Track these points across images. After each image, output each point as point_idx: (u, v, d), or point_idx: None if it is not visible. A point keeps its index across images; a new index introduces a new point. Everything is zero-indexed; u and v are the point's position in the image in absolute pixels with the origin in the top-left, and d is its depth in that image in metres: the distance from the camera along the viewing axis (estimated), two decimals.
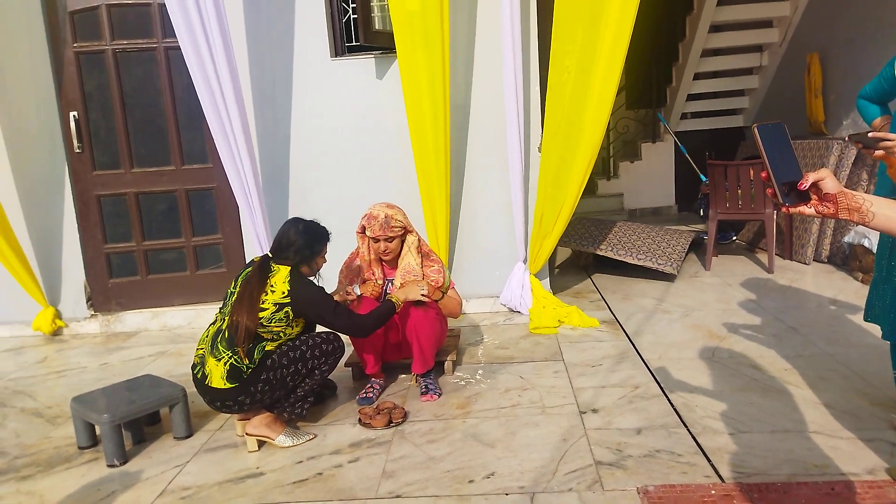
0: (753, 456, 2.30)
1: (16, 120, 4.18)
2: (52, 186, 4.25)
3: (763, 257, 5.15)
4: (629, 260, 4.75)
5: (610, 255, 4.81)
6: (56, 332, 4.35)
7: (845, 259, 4.72)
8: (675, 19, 7.20)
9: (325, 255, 2.77)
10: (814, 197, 1.22)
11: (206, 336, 2.60)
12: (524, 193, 3.97)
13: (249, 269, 2.64)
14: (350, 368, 3.24)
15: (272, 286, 2.54)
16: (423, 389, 2.98)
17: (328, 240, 2.76)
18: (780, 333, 3.51)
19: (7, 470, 2.57)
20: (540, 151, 3.91)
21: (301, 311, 2.56)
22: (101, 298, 4.41)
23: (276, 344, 2.58)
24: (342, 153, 4.19)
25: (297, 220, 2.71)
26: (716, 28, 6.74)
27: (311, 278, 2.70)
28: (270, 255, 2.67)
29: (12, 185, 4.22)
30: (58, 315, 4.36)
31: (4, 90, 4.15)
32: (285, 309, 2.52)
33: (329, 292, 2.71)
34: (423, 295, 2.82)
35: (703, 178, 5.62)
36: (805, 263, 4.95)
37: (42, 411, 3.13)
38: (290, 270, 2.58)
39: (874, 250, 3.51)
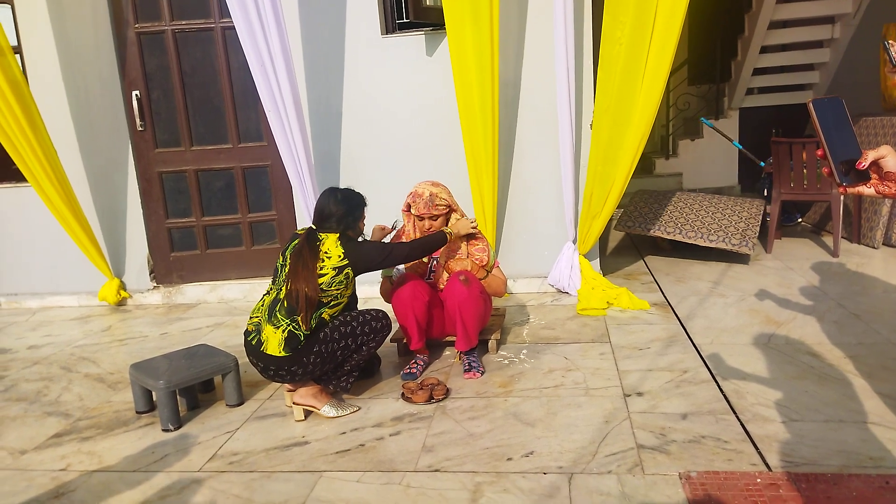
0: (804, 445, 2.22)
1: (82, 100, 4.37)
2: (116, 164, 4.44)
3: (829, 240, 4.93)
4: (700, 242, 4.53)
5: (677, 237, 4.61)
6: (121, 303, 4.57)
7: None
8: None
9: (364, 219, 2.87)
10: (874, 176, 1.15)
11: (262, 305, 2.68)
12: (574, 172, 3.90)
13: (296, 241, 2.71)
14: (395, 344, 3.28)
15: (326, 253, 2.62)
16: (466, 367, 2.99)
17: (366, 204, 2.86)
18: (842, 320, 3.36)
19: (70, 431, 2.72)
20: (591, 128, 3.82)
21: (362, 266, 2.68)
22: (163, 271, 4.60)
23: (333, 311, 2.66)
24: (392, 130, 4.20)
25: (333, 190, 2.79)
26: None
27: (359, 238, 2.80)
28: (314, 227, 2.73)
29: (80, 163, 4.42)
30: (122, 286, 4.57)
31: (71, 71, 4.33)
32: (345, 271, 2.62)
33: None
34: (473, 227, 2.96)
35: (762, 164, 5.38)
36: (874, 247, 4.70)
37: (104, 377, 3.30)
38: (339, 236, 2.66)
39: None
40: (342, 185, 4.21)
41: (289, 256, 2.67)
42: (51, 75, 4.33)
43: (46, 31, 4.28)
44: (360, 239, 2.81)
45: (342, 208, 2.71)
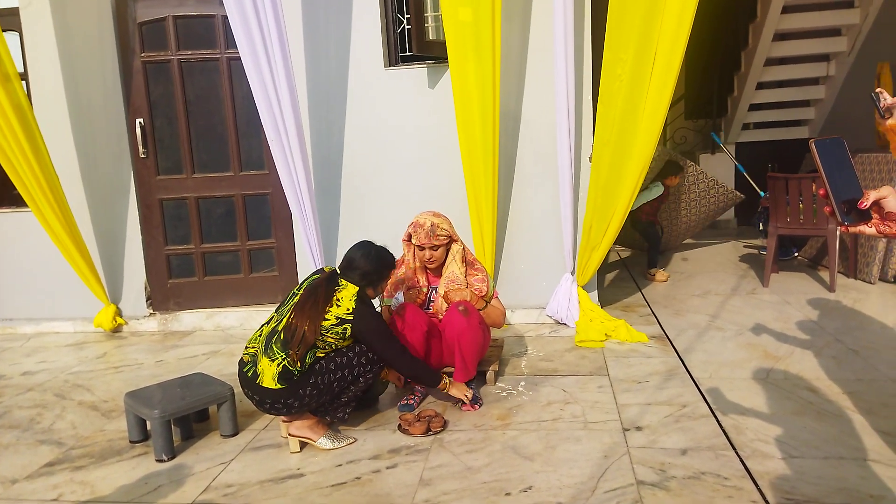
0: (804, 482, 2.20)
1: (86, 126, 4.40)
2: (117, 190, 4.45)
3: (826, 275, 4.94)
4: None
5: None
6: (116, 329, 4.55)
7: None
8: (737, 27, 7.01)
9: (389, 281, 2.87)
10: (875, 216, 1.16)
11: (260, 335, 2.66)
12: (573, 204, 3.93)
13: (317, 275, 2.71)
14: None
15: (338, 300, 2.60)
16: None
17: (394, 267, 2.84)
18: (840, 356, 3.35)
19: (63, 460, 2.69)
20: (591, 161, 3.86)
21: (358, 334, 2.62)
22: (160, 298, 4.58)
23: (325, 352, 2.62)
24: (393, 161, 4.24)
25: (369, 246, 2.76)
26: (781, 36, 6.52)
27: (374, 299, 2.77)
28: (339, 270, 2.73)
29: (81, 188, 4.44)
30: (119, 313, 4.55)
31: (76, 98, 4.37)
32: (345, 325, 2.57)
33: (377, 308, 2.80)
34: (466, 395, 2.90)
35: (762, 194, 5.44)
36: (870, 282, 4.72)
37: (98, 405, 3.27)
38: (358, 291, 2.64)
39: None
40: (342, 215, 4.30)
41: (304, 289, 2.66)
42: (55, 101, 4.37)
43: (53, 57, 4.33)
44: (377, 303, 2.76)
45: (371, 265, 2.70)
